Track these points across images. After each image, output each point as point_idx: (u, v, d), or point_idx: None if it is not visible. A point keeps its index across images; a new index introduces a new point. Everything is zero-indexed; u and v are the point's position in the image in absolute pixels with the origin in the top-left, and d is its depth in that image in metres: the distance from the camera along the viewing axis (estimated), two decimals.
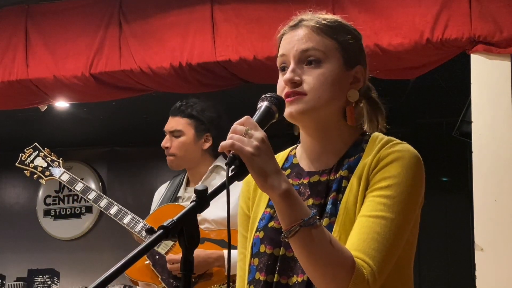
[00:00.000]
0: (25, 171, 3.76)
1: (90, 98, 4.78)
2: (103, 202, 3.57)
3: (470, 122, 3.76)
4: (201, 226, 3.37)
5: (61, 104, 5.48)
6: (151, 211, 3.60)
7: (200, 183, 3.47)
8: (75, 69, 4.40)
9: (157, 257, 3.41)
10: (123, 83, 4.45)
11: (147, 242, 1.28)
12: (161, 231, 1.30)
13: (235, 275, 3.32)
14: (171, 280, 3.38)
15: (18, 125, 6.49)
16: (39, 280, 7.51)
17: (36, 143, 3.78)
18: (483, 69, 3.73)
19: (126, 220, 3.49)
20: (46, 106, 4.93)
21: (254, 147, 1.43)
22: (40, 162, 3.74)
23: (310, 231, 1.46)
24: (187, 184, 3.62)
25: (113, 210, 3.53)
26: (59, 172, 3.71)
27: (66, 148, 7.34)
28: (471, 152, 3.71)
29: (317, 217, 1.50)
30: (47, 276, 7.51)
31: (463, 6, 3.74)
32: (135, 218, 3.48)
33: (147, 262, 3.44)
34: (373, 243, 1.51)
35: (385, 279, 1.53)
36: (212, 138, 3.51)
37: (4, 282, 7.50)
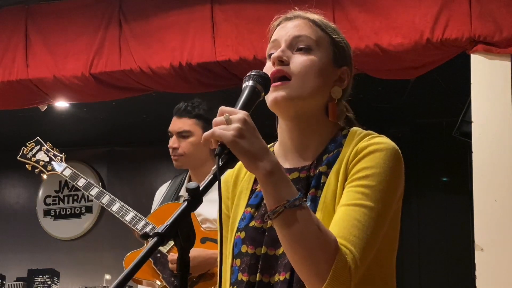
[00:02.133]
0: (27, 165, 3.70)
1: (90, 98, 4.78)
2: (106, 199, 3.53)
3: (470, 122, 3.76)
4: (203, 226, 3.37)
5: (61, 104, 5.49)
6: (152, 211, 3.59)
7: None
8: (75, 69, 4.40)
9: (158, 255, 3.40)
10: (123, 83, 4.45)
11: (145, 251, 1.27)
12: (155, 238, 1.29)
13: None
14: (172, 279, 3.37)
15: (18, 125, 6.49)
16: (39, 280, 7.51)
17: (38, 137, 3.74)
18: (483, 69, 3.73)
19: (128, 217, 3.47)
20: (46, 106, 4.93)
21: (235, 129, 1.42)
22: (42, 156, 3.68)
23: (294, 212, 1.45)
24: None
25: (115, 207, 3.51)
26: (61, 167, 3.66)
27: (66, 148, 7.31)
28: (471, 152, 3.71)
29: (304, 198, 1.49)
30: (47, 276, 7.52)
31: (463, 6, 3.74)
32: (137, 216, 3.46)
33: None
34: (354, 230, 1.50)
35: (364, 271, 1.52)
36: None
37: (4, 282, 7.50)
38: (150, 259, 3.39)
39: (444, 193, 6.60)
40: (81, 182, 3.58)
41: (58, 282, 7.55)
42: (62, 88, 4.52)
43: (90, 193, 3.56)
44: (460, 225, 6.12)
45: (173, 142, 3.50)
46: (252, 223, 1.65)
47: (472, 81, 3.75)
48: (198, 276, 3.33)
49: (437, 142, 6.43)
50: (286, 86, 1.63)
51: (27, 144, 3.72)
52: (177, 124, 3.52)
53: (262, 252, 1.62)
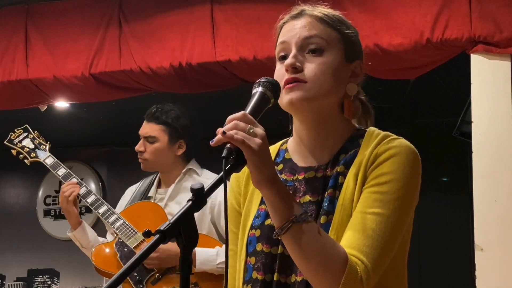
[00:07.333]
0: (12, 150, 3.81)
1: (90, 98, 4.78)
2: (82, 190, 3.60)
3: (470, 122, 3.75)
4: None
5: (61, 104, 5.49)
6: (118, 208, 3.68)
7: (173, 185, 3.60)
8: (75, 69, 4.40)
9: (125, 249, 3.45)
10: (123, 83, 4.45)
11: (145, 247, 1.27)
12: (157, 236, 1.28)
13: (205, 272, 3.39)
14: (134, 274, 3.42)
15: (18, 125, 6.48)
16: (39, 280, 7.50)
17: (27, 125, 3.85)
18: (483, 69, 3.73)
19: (101, 210, 3.55)
20: (46, 106, 4.93)
21: (258, 145, 1.42)
22: (27, 143, 3.80)
23: (301, 227, 1.46)
24: (159, 185, 3.72)
25: (90, 199, 3.59)
26: (44, 155, 3.76)
27: (66, 148, 7.34)
28: (471, 152, 3.71)
29: (308, 213, 1.50)
30: (47, 276, 7.51)
31: (463, 6, 3.74)
32: (110, 209, 3.54)
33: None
34: (368, 240, 1.50)
35: (381, 278, 1.52)
36: (185, 145, 3.58)
37: (4, 282, 7.50)
38: (116, 252, 3.45)
39: (444, 193, 6.60)
40: (61, 172, 3.68)
41: (58, 282, 7.55)
42: (62, 88, 4.52)
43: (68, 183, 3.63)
44: (460, 225, 6.11)
45: (139, 145, 3.64)
46: (267, 221, 1.64)
47: (472, 81, 3.75)
48: (166, 269, 3.38)
49: (437, 142, 6.43)
50: (301, 87, 1.60)
51: (15, 130, 3.83)
52: (145, 128, 3.66)
53: (279, 251, 1.61)
